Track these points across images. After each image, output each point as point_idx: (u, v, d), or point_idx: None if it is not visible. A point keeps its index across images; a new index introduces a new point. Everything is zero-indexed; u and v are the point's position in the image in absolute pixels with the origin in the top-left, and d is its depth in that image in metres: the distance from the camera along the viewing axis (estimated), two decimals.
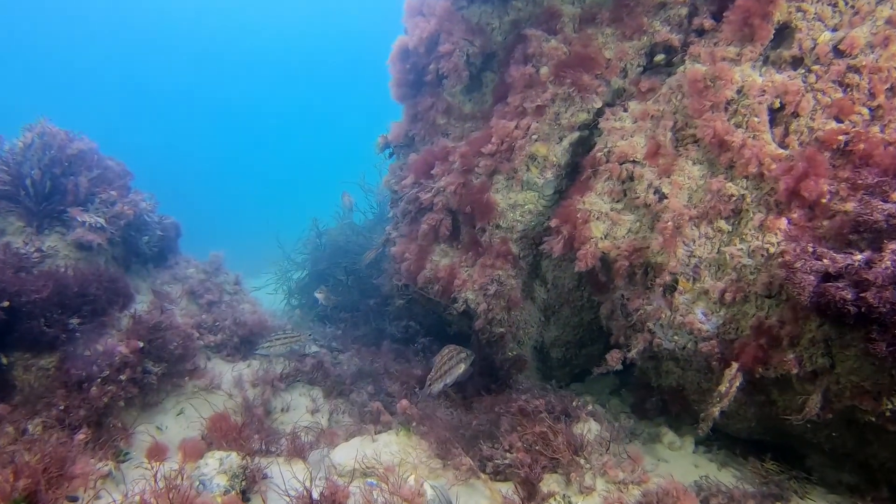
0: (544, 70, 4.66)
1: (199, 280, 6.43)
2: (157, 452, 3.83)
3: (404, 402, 4.45)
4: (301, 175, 34.67)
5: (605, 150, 4.33)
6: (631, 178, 4.24)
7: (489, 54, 5.48)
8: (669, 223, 3.89)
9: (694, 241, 3.95)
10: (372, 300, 8.55)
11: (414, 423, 4.41)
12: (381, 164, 9.93)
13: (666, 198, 4.01)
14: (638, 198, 4.16)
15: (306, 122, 44.98)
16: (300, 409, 5.40)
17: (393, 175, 6.05)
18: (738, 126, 3.64)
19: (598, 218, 4.38)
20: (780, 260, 3.38)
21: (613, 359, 4.65)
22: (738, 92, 3.62)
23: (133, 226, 5.90)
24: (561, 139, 4.70)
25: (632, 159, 4.20)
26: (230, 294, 6.69)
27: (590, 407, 4.81)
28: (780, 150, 3.50)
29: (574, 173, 4.95)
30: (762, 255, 3.58)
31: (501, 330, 5.35)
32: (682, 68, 4.06)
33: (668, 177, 4.02)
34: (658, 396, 5.17)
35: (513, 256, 5.08)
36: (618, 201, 4.39)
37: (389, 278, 6.20)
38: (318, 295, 7.12)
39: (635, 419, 5.42)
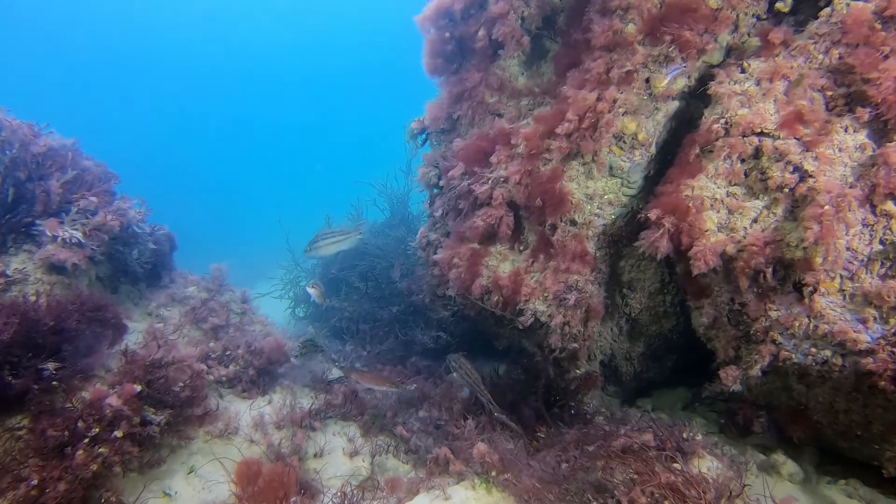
0: (630, 28, 3.79)
1: (202, 300, 5.41)
2: None
3: (481, 446, 3.55)
4: (301, 178, 33.03)
5: (722, 121, 3.47)
6: (757, 156, 3.40)
7: (545, 18, 4.59)
8: (825, 207, 3.05)
9: (850, 231, 3.12)
10: (395, 307, 7.61)
11: (494, 473, 3.51)
12: (401, 163, 9.07)
13: (811, 177, 3.17)
14: (769, 178, 3.31)
15: (304, 123, 42.92)
16: (336, 452, 4.44)
17: (431, 166, 5.10)
18: None
19: (711, 206, 3.54)
20: None
21: (729, 377, 3.82)
22: None
23: (120, 239, 4.86)
24: (654, 112, 3.83)
25: (759, 131, 3.35)
26: (238, 314, 5.68)
27: (699, 437, 3.96)
28: None
29: (663, 154, 4.10)
30: None
31: (575, 345, 4.47)
32: (825, 12, 3.22)
33: (812, 150, 3.18)
34: (767, 417, 4.35)
35: (590, 257, 4.20)
36: (735, 184, 3.54)
37: (431, 288, 5.26)
38: (310, 290, 6.15)
39: (730, 443, 4.61)
